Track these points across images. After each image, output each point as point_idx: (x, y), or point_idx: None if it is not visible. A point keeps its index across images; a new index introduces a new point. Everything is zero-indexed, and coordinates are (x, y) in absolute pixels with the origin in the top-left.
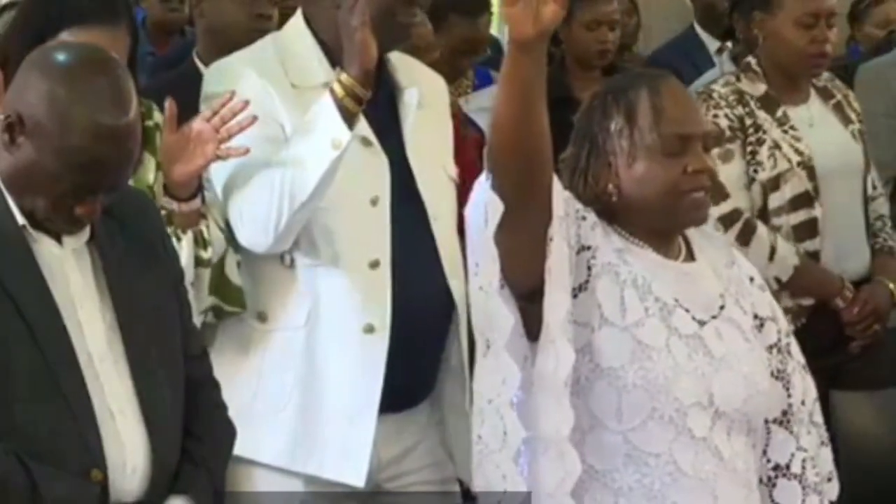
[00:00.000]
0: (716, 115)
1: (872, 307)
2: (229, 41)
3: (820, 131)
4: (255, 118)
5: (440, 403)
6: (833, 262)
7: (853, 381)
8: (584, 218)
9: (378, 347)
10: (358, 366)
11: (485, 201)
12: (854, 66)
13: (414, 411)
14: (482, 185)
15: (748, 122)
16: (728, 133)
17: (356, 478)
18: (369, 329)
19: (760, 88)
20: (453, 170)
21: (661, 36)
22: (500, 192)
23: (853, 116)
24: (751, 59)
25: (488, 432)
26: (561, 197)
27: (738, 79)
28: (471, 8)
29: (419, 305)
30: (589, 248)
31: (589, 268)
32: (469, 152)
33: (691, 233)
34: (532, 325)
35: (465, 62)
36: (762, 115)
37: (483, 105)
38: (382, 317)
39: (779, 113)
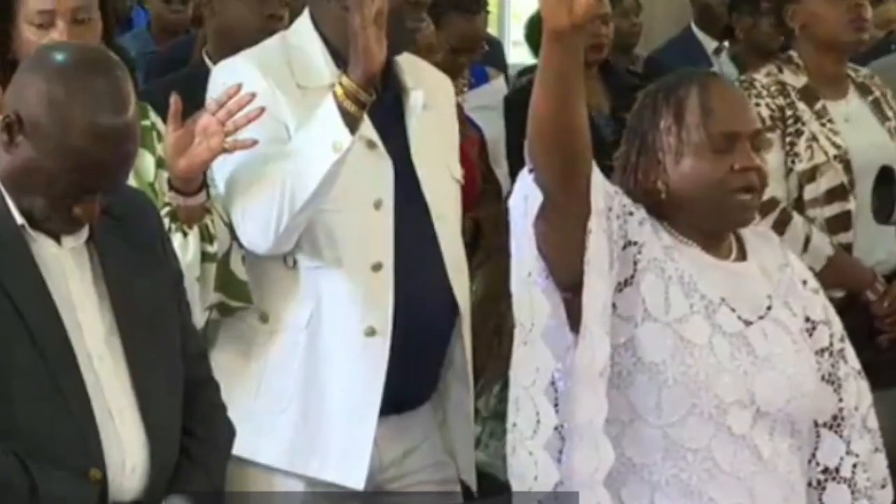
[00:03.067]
0: (757, 105)
1: None
2: (240, 41)
3: (855, 127)
4: (262, 109)
5: (443, 404)
6: (864, 255)
7: (883, 378)
8: (631, 213)
9: (379, 350)
10: (359, 368)
11: (525, 192)
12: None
13: (416, 412)
14: (524, 177)
15: (788, 112)
16: (768, 122)
17: (356, 480)
18: (370, 332)
19: (801, 80)
20: (458, 171)
21: (660, 37)
22: (540, 183)
23: (890, 114)
24: (792, 53)
25: (523, 419)
26: (602, 190)
27: (780, 70)
28: (469, 6)
29: (422, 308)
30: (635, 243)
31: (635, 263)
32: (468, 152)
33: (745, 233)
34: (576, 316)
35: (464, 60)
36: (802, 107)
37: (480, 103)
38: (384, 320)
39: (818, 106)
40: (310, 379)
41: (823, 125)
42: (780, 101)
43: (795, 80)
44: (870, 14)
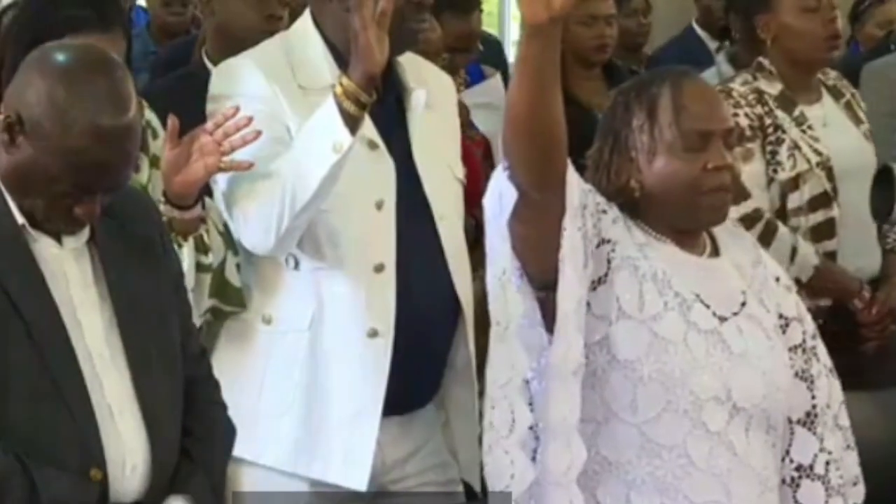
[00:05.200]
0: (736, 114)
1: (889, 308)
2: (239, 41)
3: (834, 131)
4: (259, 133)
5: (445, 405)
6: (848, 262)
7: (864, 381)
8: (604, 212)
9: (382, 352)
10: (361, 370)
11: (500, 189)
12: (854, 65)
13: (419, 413)
14: (499, 173)
15: (768, 121)
16: (748, 132)
17: (359, 482)
18: (373, 333)
19: (777, 87)
20: (460, 170)
21: (661, 36)
22: (515, 179)
23: (862, 116)
24: (763, 60)
25: (499, 418)
26: (577, 188)
27: (755, 78)
28: (462, 5)
29: (424, 309)
30: (609, 241)
31: (608, 261)
32: (472, 152)
33: (718, 230)
34: (550, 316)
35: (460, 59)
36: (781, 115)
37: (477, 101)
38: (386, 321)
39: (796, 112)
40: (312, 380)
41: (804, 132)
42: (759, 109)
43: (771, 87)
44: (840, 27)
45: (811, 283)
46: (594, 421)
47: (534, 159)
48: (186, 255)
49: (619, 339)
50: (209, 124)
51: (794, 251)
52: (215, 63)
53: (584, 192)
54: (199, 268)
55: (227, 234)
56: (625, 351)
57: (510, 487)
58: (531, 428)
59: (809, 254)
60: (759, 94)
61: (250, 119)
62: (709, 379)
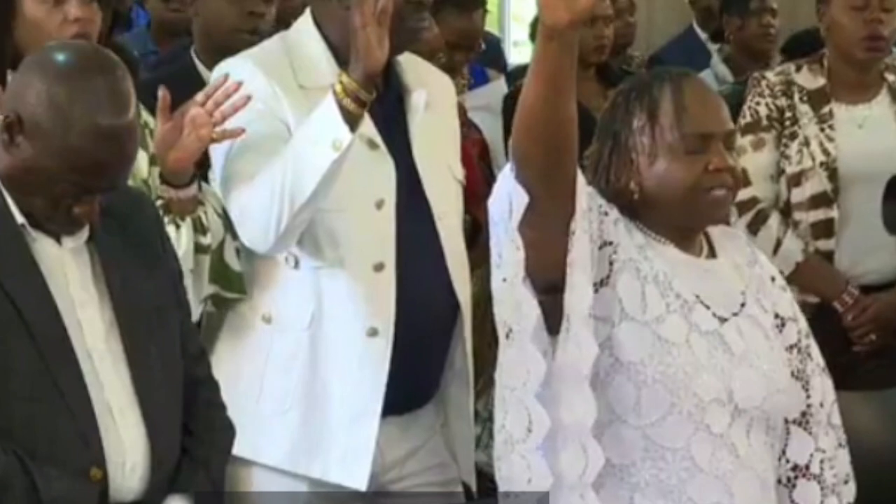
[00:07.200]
0: (758, 102)
1: (872, 316)
2: (221, 38)
3: (868, 133)
4: (248, 98)
5: (444, 405)
6: (848, 264)
7: (862, 381)
8: (606, 213)
9: (381, 351)
10: (361, 369)
11: (508, 192)
12: None
13: (418, 413)
14: (506, 176)
15: (787, 114)
16: (765, 122)
17: (358, 481)
18: (373, 332)
19: (818, 82)
20: (459, 171)
21: (660, 36)
22: (524, 182)
23: None
24: (824, 51)
25: (512, 422)
26: (584, 191)
27: (797, 69)
28: (465, 2)
29: (424, 308)
30: (611, 243)
31: (611, 263)
32: (469, 152)
33: (713, 231)
34: (551, 318)
35: (461, 57)
36: (803, 109)
37: (480, 104)
38: (386, 320)
39: (824, 109)
40: (312, 380)
41: (822, 130)
42: (782, 101)
43: (812, 81)
44: (888, 30)
45: (792, 278)
46: (598, 423)
47: (544, 161)
48: (184, 236)
49: (622, 341)
50: (199, 95)
51: (778, 244)
52: (204, 62)
53: (589, 194)
54: (198, 248)
55: (225, 217)
56: (628, 353)
57: (528, 491)
58: (530, 431)
59: (795, 249)
60: (789, 85)
61: (239, 84)
62: (710, 381)
